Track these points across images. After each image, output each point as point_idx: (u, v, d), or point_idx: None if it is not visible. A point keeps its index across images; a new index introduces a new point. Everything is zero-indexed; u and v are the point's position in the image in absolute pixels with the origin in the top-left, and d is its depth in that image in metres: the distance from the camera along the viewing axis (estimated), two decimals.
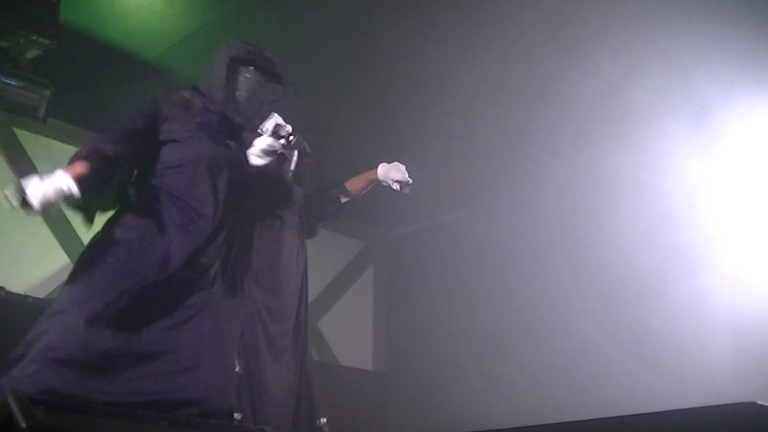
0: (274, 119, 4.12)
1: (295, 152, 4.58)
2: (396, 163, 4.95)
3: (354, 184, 5.10)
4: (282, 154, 4.19)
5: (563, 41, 6.16)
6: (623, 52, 6.05)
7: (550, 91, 6.63)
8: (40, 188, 3.14)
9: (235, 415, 3.96)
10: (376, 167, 4.98)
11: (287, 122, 4.16)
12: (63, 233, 7.01)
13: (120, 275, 3.36)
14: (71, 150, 3.56)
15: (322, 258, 9.16)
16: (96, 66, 6.69)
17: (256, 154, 3.92)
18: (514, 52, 6.29)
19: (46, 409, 2.32)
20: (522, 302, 7.56)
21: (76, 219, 3.58)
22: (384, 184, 4.96)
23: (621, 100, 6.33)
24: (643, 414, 2.03)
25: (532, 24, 6.01)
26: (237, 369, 4.12)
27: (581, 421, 2.02)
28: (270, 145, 3.95)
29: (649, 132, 6.59)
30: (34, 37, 5.71)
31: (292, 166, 4.57)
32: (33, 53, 5.74)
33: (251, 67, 3.98)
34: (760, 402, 1.93)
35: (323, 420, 4.63)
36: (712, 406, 1.99)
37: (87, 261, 3.43)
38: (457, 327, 8.14)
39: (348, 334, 8.55)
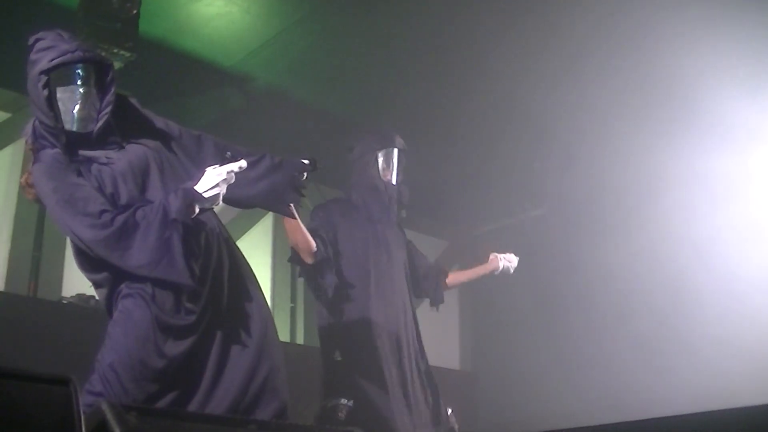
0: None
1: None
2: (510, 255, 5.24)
3: (460, 277, 5.33)
4: None
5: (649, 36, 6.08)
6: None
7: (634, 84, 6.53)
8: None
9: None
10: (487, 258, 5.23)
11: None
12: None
13: None
14: None
15: None
16: (175, 76, 6.77)
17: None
18: (601, 54, 6.24)
19: (138, 415, 2.34)
20: (607, 300, 7.45)
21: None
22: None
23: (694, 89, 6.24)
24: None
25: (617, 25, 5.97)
26: None
27: (657, 418, 1.96)
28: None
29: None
30: (114, 50, 5.79)
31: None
32: (114, 65, 5.82)
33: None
34: None
35: (449, 410, 4.78)
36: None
37: None
38: (541, 325, 8.06)
39: (434, 334, 8.50)
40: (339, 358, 4.60)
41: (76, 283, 6.40)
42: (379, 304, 4.65)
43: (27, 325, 4.91)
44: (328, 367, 4.67)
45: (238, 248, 3.60)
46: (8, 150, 6.99)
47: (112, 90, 3.37)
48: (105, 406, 2.31)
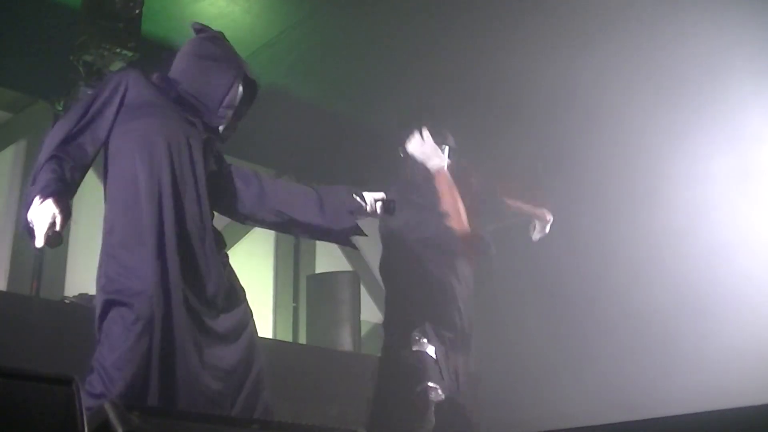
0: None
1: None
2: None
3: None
4: None
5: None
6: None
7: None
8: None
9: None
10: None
11: None
12: None
13: None
14: None
15: None
16: None
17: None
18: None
19: (141, 415, 2.34)
20: (611, 299, 7.43)
21: None
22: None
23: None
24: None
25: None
26: None
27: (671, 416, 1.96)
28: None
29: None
30: (117, 50, 5.81)
31: None
32: (116, 65, 5.83)
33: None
34: None
35: None
36: None
37: None
38: (544, 324, 8.05)
39: None
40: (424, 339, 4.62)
41: (79, 282, 6.42)
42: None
43: (29, 325, 4.90)
44: (409, 357, 4.69)
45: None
46: (10, 150, 7.00)
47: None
48: (107, 406, 2.31)
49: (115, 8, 5.82)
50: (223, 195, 3.62)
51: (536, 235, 5.22)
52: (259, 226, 3.95)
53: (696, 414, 1.89)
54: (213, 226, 3.49)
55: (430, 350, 4.58)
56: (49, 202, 3.05)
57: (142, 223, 3.26)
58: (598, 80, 6.44)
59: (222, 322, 3.36)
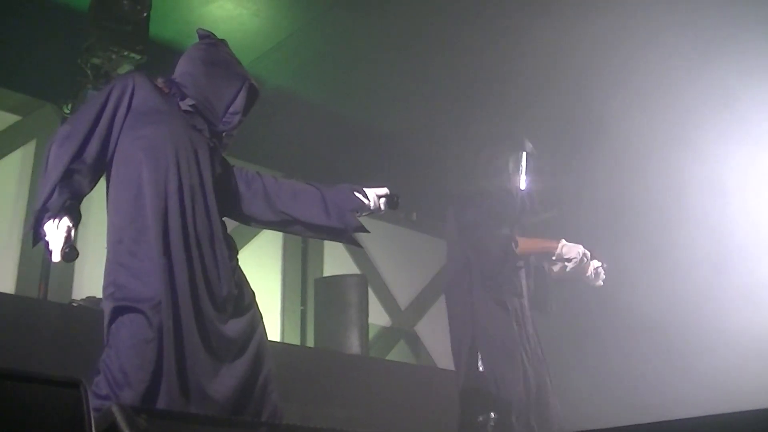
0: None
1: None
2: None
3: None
4: None
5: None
6: None
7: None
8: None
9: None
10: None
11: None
12: None
13: None
14: None
15: (418, 261, 9.15)
16: None
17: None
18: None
19: (148, 417, 2.34)
20: (625, 301, 7.41)
21: None
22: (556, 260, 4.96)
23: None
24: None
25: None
26: None
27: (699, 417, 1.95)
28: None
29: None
30: (125, 53, 5.81)
31: None
32: (124, 68, 5.84)
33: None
34: None
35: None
36: None
37: None
38: (559, 327, 8.03)
39: (445, 337, 8.51)
40: (481, 369, 4.62)
41: (86, 285, 6.43)
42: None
43: (37, 328, 4.91)
44: (470, 379, 4.66)
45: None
46: (18, 152, 7.00)
47: None
48: (115, 409, 2.31)
49: (122, 11, 5.82)
50: (227, 198, 3.63)
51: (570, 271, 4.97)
52: (263, 227, 3.97)
53: (713, 416, 1.88)
54: (225, 231, 3.51)
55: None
56: (65, 221, 3.13)
57: (150, 231, 3.26)
58: (594, 87, 6.43)
59: (232, 327, 3.36)
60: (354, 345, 7.18)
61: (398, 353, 8.69)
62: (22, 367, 2.95)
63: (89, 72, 5.91)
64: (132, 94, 3.43)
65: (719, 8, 5.83)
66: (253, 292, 3.56)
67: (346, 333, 7.22)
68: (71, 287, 6.69)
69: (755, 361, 6.25)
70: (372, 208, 3.76)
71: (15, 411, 2.05)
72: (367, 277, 7.92)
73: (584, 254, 4.87)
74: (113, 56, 5.85)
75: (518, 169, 4.89)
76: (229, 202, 3.65)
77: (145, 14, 5.91)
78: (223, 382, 3.25)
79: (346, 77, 7.17)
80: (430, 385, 6.89)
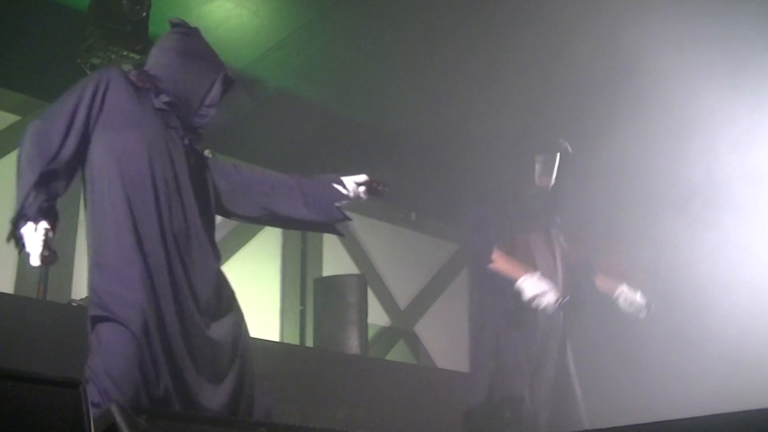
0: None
1: None
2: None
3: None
4: None
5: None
6: None
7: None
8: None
9: None
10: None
11: None
12: None
13: None
14: None
15: (417, 261, 9.15)
16: None
17: None
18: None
19: (148, 418, 2.33)
20: None
21: None
22: None
23: None
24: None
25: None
26: None
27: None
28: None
29: None
30: (125, 53, 5.82)
31: None
32: (124, 68, 5.83)
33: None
34: None
35: None
36: None
37: None
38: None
39: (444, 337, 8.52)
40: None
41: (85, 286, 6.41)
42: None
43: (36, 328, 4.90)
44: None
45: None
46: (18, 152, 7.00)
47: None
48: (115, 409, 2.31)
49: (122, 11, 5.82)
50: (206, 195, 3.58)
51: (625, 306, 4.99)
52: (242, 221, 3.90)
53: (709, 416, 1.88)
54: (208, 230, 3.49)
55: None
56: (43, 224, 3.11)
57: (126, 237, 3.22)
58: (596, 89, 6.42)
59: (216, 330, 3.33)
60: (353, 345, 7.18)
61: (397, 353, 8.69)
62: (21, 367, 2.95)
63: (89, 72, 5.91)
64: (106, 91, 3.37)
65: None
66: (233, 291, 3.52)
67: (345, 333, 7.21)
68: (70, 287, 6.69)
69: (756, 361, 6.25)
70: (352, 197, 3.73)
71: (15, 411, 2.05)
72: (367, 277, 7.91)
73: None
74: (113, 56, 5.85)
75: (548, 169, 4.80)
76: (210, 199, 3.60)
77: (144, 14, 5.91)
78: (213, 399, 3.22)
79: (346, 77, 7.16)
80: (430, 385, 6.90)
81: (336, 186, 3.71)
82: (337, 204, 3.71)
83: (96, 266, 3.27)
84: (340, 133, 7.55)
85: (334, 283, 7.64)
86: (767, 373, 6.21)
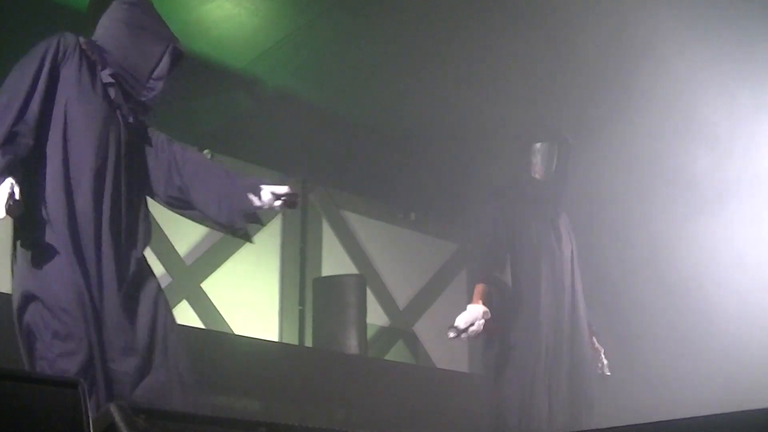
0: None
1: None
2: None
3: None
4: None
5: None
6: None
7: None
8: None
9: None
10: None
11: None
12: None
13: None
14: None
15: (417, 261, 9.15)
16: (183, 78, 6.75)
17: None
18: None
19: (147, 417, 2.34)
20: (626, 300, 7.40)
21: None
22: None
23: None
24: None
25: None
26: None
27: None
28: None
29: None
30: None
31: None
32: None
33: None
34: None
35: None
36: None
37: None
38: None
39: (443, 337, 8.52)
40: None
41: None
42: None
43: None
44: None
45: None
46: None
47: None
48: (114, 409, 2.31)
49: None
50: (143, 176, 3.63)
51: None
52: (160, 203, 3.83)
53: (709, 416, 1.89)
54: (135, 215, 3.53)
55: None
56: (8, 180, 3.11)
57: (60, 223, 3.28)
58: (596, 92, 6.42)
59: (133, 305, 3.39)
60: (352, 345, 7.19)
61: (397, 353, 8.69)
62: (20, 368, 2.96)
63: None
64: (64, 59, 3.42)
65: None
66: (156, 281, 3.58)
67: (344, 333, 7.22)
68: None
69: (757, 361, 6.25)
70: (265, 207, 3.71)
71: (14, 411, 2.05)
72: (366, 277, 7.92)
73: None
74: None
75: (548, 160, 4.84)
76: (145, 180, 3.64)
77: None
78: (129, 359, 3.31)
79: (346, 77, 7.16)
80: (429, 385, 6.91)
81: (251, 196, 3.67)
82: (246, 212, 3.71)
83: (27, 257, 3.30)
84: (339, 133, 7.54)
85: (334, 282, 7.65)
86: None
